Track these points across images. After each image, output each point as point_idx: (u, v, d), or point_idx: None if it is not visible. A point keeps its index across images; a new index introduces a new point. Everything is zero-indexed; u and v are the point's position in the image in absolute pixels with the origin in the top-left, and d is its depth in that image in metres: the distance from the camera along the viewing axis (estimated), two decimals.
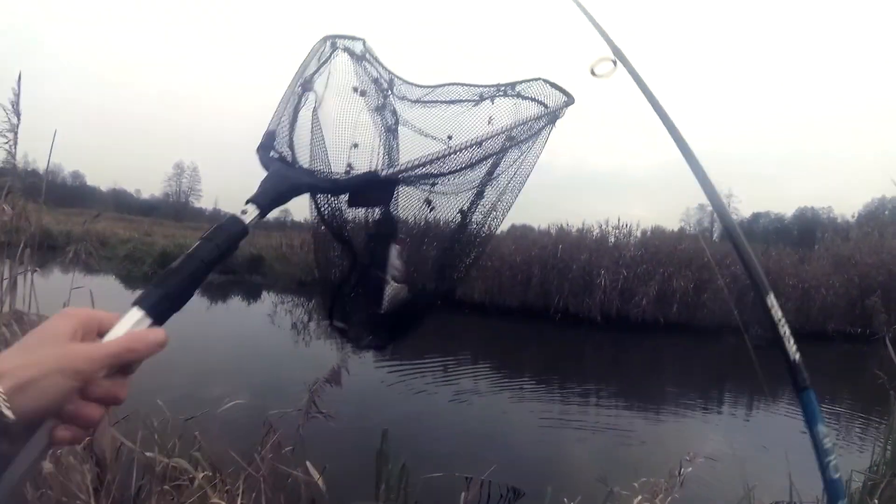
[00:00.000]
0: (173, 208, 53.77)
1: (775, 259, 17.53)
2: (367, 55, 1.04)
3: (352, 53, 1.02)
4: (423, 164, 0.76)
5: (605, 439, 6.44)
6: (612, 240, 19.03)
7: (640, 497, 2.41)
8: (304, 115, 0.90)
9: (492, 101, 1.04)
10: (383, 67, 1.07)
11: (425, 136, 1.05)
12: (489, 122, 0.99)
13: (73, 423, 0.47)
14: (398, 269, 0.91)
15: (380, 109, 1.05)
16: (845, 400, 8.49)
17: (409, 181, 0.80)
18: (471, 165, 0.85)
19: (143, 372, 0.53)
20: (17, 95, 2.31)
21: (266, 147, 0.78)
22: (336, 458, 2.84)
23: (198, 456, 2.43)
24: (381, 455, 2.75)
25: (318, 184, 0.75)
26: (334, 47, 0.99)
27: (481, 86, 1.07)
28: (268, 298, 17.05)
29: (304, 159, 0.84)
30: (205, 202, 60.49)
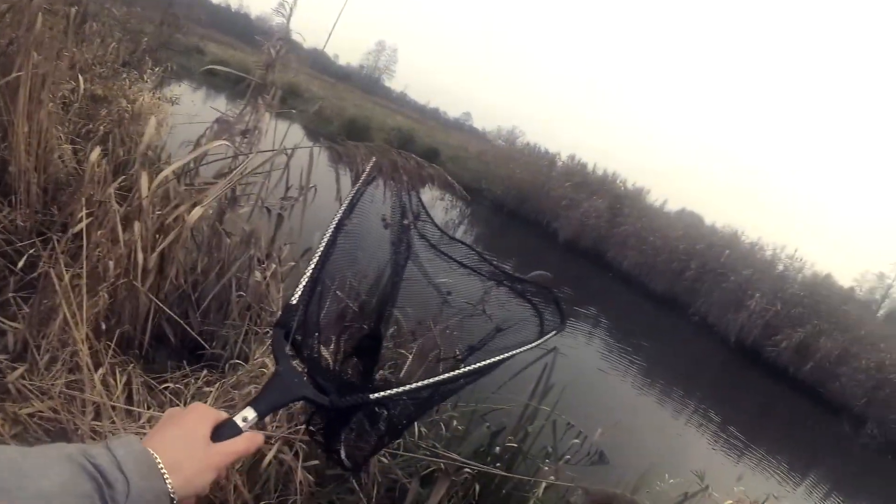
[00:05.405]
0: (365, 81, 55.08)
1: None
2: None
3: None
4: (417, 390, 0.79)
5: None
6: (781, 268, 17.76)
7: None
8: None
9: (496, 284, 1.07)
10: (419, 200, 1.09)
11: (428, 282, 1.08)
12: (475, 305, 1.04)
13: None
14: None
15: (396, 243, 1.05)
16: None
17: (396, 399, 0.80)
18: (453, 390, 0.91)
19: None
20: None
21: (283, 325, 0.77)
22: None
23: None
24: None
25: (314, 400, 0.74)
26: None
27: (493, 265, 1.12)
28: None
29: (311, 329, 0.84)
30: (395, 84, 62.74)
